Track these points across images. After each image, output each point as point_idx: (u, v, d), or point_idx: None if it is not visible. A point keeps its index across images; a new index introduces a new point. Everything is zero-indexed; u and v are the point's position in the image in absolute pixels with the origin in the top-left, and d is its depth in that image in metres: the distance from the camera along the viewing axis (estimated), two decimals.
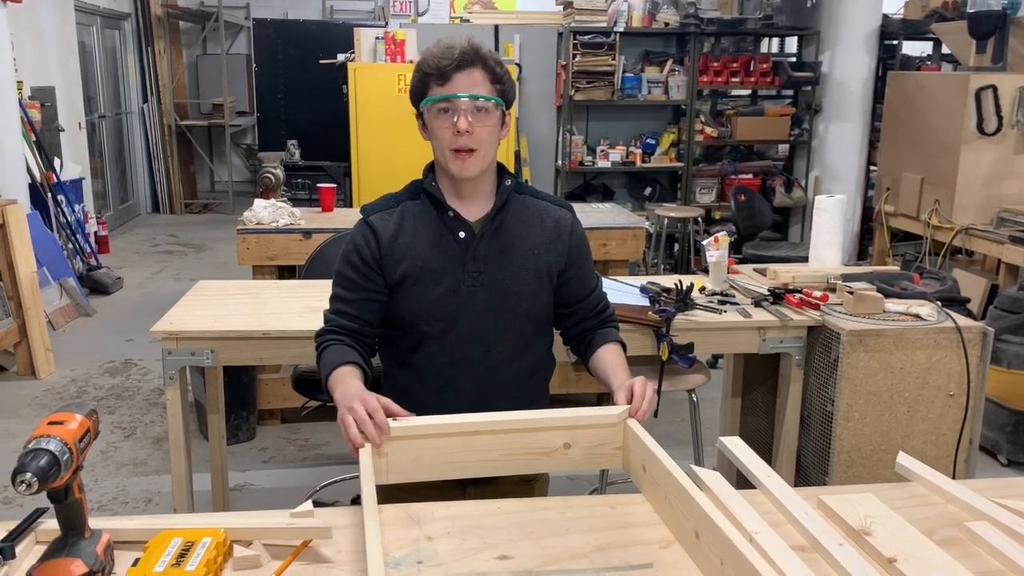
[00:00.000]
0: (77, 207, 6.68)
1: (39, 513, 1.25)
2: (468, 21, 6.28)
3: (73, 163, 6.92)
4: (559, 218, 1.80)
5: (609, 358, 1.74)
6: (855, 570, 1.18)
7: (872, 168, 6.61)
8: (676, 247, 6.50)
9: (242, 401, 3.83)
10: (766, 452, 3.04)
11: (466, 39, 1.67)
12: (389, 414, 1.45)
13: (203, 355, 2.34)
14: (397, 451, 1.39)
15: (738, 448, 1.58)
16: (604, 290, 1.93)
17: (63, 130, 6.76)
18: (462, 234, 1.72)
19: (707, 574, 1.17)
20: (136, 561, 1.13)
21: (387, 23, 5.97)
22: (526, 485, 1.71)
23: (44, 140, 6.23)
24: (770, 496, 1.42)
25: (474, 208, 1.74)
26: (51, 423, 1.07)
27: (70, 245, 6.28)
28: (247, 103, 10.71)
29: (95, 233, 7.22)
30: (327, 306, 1.81)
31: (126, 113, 9.27)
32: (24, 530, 1.21)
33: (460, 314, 1.70)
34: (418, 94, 1.70)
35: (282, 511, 1.31)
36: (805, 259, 3.17)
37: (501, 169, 1.79)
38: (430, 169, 1.77)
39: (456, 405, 1.69)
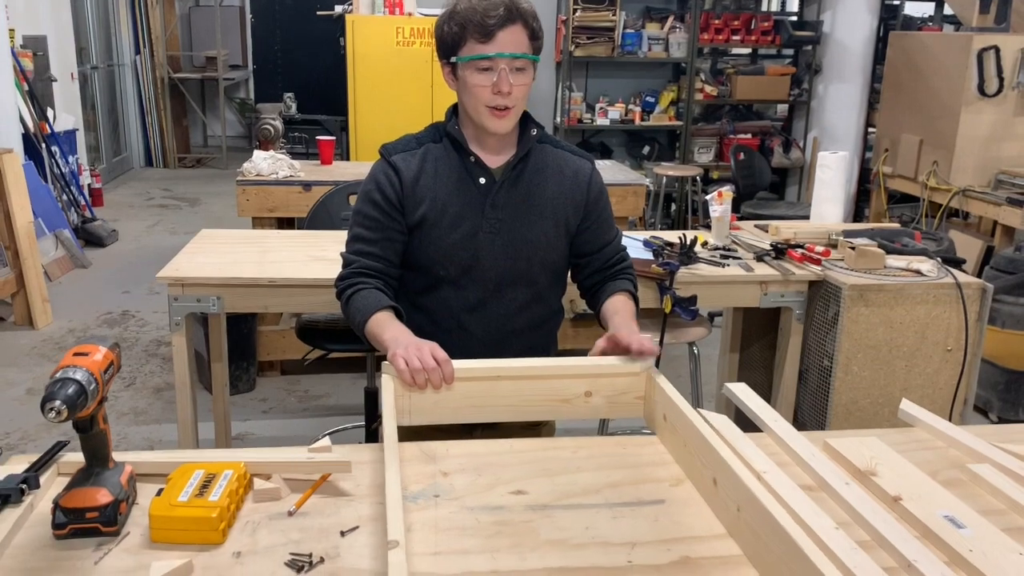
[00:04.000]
0: (71, 159, 6.62)
1: (60, 446, 1.27)
2: None
3: (67, 114, 6.85)
4: (578, 169, 1.79)
5: (611, 306, 1.74)
6: (862, 508, 1.21)
7: (870, 129, 6.60)
8: (673, 206, 6.51)
9: (242, 352, 3.85)
10: None
11: None
12: None
13: (209, 302, 2.34)
14: (420, 393, 1.41)
15: (744, 393, 1.60)
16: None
17: (56, 80, 6.67)
18: (482, 180, 1.72)
19: (722, 518, 1.19)
20: (160, 491, 1.15)
21: None
22: (532, 430, 1.74)
23: (37, 90, 6.15)
24: (777, 439, 1.45)
25: (496, 155, 1.74)
26: (76, 354, 1.09)
27: (64, 197, 6.24)
28: (240, 56, 10.56)
29: (88, 186, 7.17)
30: (340, 251, 1.81)
31: (118, 65, 9.14)
32: (46, 462, 1.23)
33: (477, 260, 1.71)
34: (452, 45, 1.65)
35: (299, 447, 1.33)
36: (804, 218, 3.19)
37: (526, 117, 1.77)
38: (453, 112, 1.76)
39: (467, 348, 1.70)
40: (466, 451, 1.38)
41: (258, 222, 4.02)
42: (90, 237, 6.20)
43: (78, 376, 1.04)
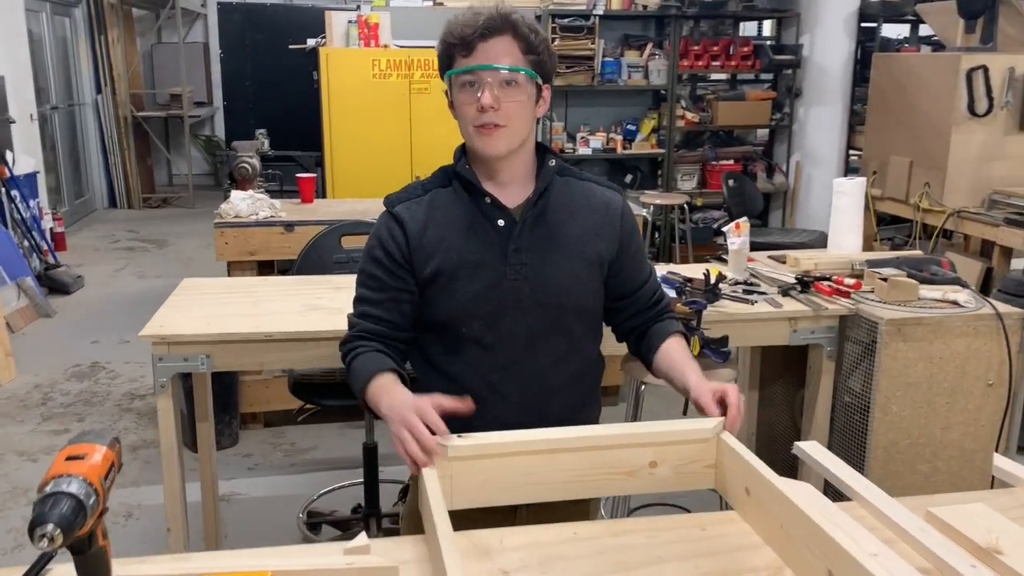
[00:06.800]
0: (32, 202, 6.35)
1: (47, 559, 1.06)
2: (442, 4, 6.06)
3: (27, 156, 6.58)
4: (608, 201, 1.62)
5: (677, 355, 1.58)
6: None
7: (851, 152, 6.55)
8: (657, 235, 6.38)
9: (224, 405, 3.61)
10: (788, 447, 2.92)
11: (495, 5, 1.49)
12: (444, 413, 1.29)
13: (197, 361, 2.13)
14: (463, 472, 1.22)
15: (819, 453, 1.43)
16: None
17: (14, 122, 6.41)
18: (501, 222, 1.54)
19: None
20: None
21: (359, 6, 5.72)
22: (582, 506, 1.55)
23: None
24: (872, 509, 1.27)
25: (513, 193, 1.56)
26: (69, 458, 0.88)
27: (26, 243, 5.96)
28: (205, 93, 10.36)
29: (51, 230, 6.88)
30: (338, 306, 1.64)
31: (79, 104, 8.88)
32: None
33: (503, 312, 1.53)
34: (443, 67, 1.52)
35: (332, 544, 1.13)
36: (802, 245, 3.07)
37: (543, 149, 1.61)
38: (462, 152, 1.59)
39: (504, 415, 1.52)
40: (524, 541, 1.19)
41: (236, 265, 3.81)
42: (54, 284, 5.92)
43: (73, 488, 0.84)
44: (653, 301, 1.70)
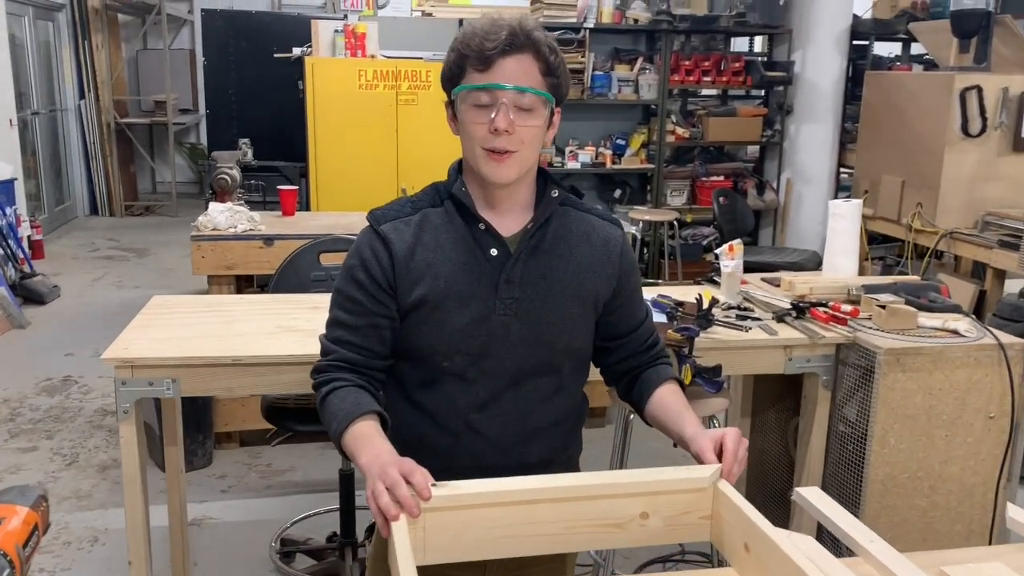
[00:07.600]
0: (9, 210, 6.22)
1: None
2: (430, 15, 5.98)
3: (4, 163, 6.45)
4: (609, 236, 1.51)
5: (673, 404, 1.47)
6: None
7: (842, 170, 6.50)
8: (646, 252, 6.30)
9: (197, 424, 3.49)
10: (781, 476, 2.82)
11: (517, 18, 1.38)
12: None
13: (163, 385, 2.02)
14: (436, 524, 1.11)
15: (821, 501, 1.34)
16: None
17: None
18: (494, 252, 1.42)
19: None
20: None
21: (346, 16, 5.64)
22: (558, 561, 1.44)
23: None
24: (880, 566, 1.18)
25: (509, 221, 1.45)
26: None
27: (1, 251, 5.82)
28: (191, 100, 10.25)
29: (28, 237, 6.74)
30: (313, 327, 1.52)
31: (61, 110, 8.75)
32: None
33: (488, 348, 1.41)
34: (451, 78, 1.39)
35: None
36: (794, 264, 2.98)
37: (544, 175, 1.50)
38: (457, 170, 1.47)
39: (478, 455, 1.43)
40: None
41: (214, 279, 3.70)
42: (29, 294, 5.78)
43: None
44: (648, 344, 1.60)
